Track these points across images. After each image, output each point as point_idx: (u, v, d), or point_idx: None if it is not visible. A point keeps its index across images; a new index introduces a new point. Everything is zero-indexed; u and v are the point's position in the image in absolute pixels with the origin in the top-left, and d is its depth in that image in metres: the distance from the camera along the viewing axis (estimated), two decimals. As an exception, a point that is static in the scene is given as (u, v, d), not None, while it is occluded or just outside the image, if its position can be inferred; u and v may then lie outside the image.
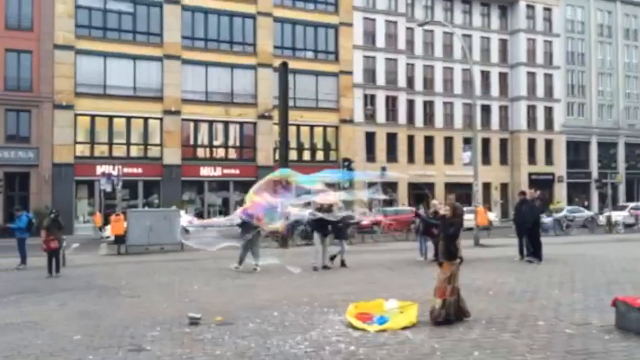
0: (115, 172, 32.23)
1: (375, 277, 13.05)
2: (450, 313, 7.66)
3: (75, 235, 30.90)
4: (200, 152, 38.23)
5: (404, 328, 7.37)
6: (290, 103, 28.95)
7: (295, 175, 11.98)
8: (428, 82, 47.47)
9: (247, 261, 14.79)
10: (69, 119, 34.22)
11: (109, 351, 6.56)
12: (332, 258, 15.20)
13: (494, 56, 50.29)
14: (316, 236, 14.89)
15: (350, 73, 42.15)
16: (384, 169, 42.09)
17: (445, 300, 7.65)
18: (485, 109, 49.07)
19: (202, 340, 7.03)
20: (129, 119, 35.99)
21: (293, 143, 37.93)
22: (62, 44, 34.04)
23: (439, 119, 47.60)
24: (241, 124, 39.00)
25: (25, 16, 33.76)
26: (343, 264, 15.06)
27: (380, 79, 44.09)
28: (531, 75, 50.76)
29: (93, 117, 35.32)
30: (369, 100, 43.51)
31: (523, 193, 16.63)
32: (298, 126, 38.81)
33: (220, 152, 38.70)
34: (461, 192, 39.16)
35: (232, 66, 38.33)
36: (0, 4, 33.12)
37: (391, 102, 44.56)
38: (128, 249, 20.94)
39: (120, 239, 21.44)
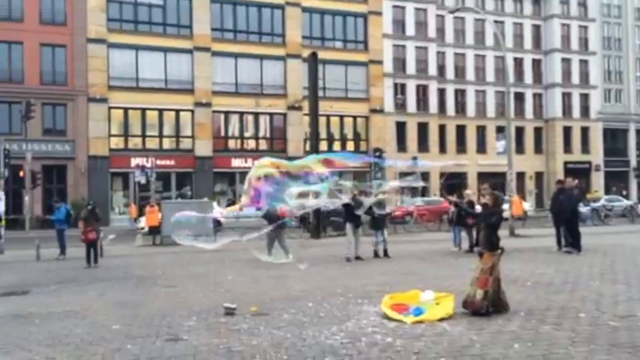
0: (148, 164, 32.71)
1: (409, 267, 12.92)
2: (490, 305, 7.52)
3: (112, 226, 31.53)
4: (232, 144, 38.50)
5: (441, 319, 7.26)
6: (320, 93, 28.86)
7: (316, 163, 11.43)
8: (459, 70, 46.74)
9: (274, 251, 14.81)
10: (103, 112, 34.83)
11: (147, 340, 6.63)
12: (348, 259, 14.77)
13: (527, 42, 49.16)
14: (349, 227, 14.82)
15: (380, 62, 41.78)
16: (414, 158, 41.70)
17: (487, 292, 7.50)
18: (519, 97, 48.06)
19: (238, 330, 7.06)
20: (161, 111, 36.44)
21: (323, 134, 37.86)
22: (94, 37, 34.60)
23: (471, 108, 46.86)
24: (271, 115, 39.09)
25: (59, 11, 34.40)
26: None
27: (411, 68, 43.58)
28: (566, 62, 49.48)
29: (126, 110, 35.87)
30: (399, 89, 43.07)
31: (561, 182, 16.20)
32: (328, 117, 38.70)
33: (251, 144, 38.90)
34: (494, 181, 38.49)
35: (262, 57, 38.38)
36: (35, 0, 33.79)
37: (422, 91, 44.05)
38: (163, 240, 21.23)
39: (155, 230, 21.75)
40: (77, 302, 9.39)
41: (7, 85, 32.72)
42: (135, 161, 34.23)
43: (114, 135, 35.50)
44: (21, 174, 22.53)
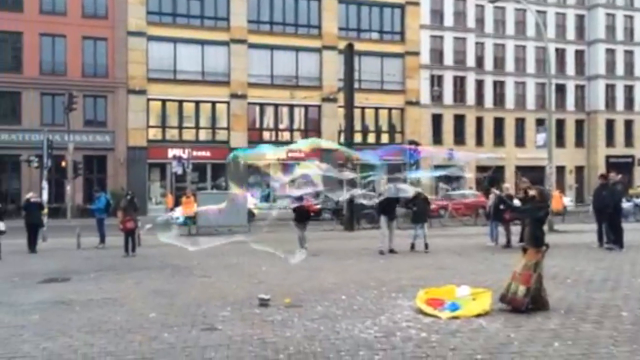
0: (185, 155, 33.19)
1: (444, 262, 12.76)
2: (530, 302, 7.34)
3: (149, 216, 32.14)
4: (266, 135, 38.67)
5: (477, 316, 7.13)
6: (355, 85, 28.67)
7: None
8: (499, 62, 45.79)
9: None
10: (141, 104, 35.47)
11: (183, 329, 6.72)
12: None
13: (570, 33, 47.76)
14: (383, 219, 14.72)
15: (416, 54, 41.26)
16: (450, 151, 41.03)
17: (530, 289, 7.32)
18: (560, 89, 46.79)
19: (272, 321, 7.08)
20: (197, 103, 36.86)
21: (358, 125, 37.67)
22: (134, 30, 35.19)
23: (510, 100, 45.90)
24: (306, 107, 39.11)
25: (100, 4, 35.09)
26: (426, 247, 14.76)
27: (448, 59, 42.91)
28: (610, 53, 47.90)
29: (164, 101, 36.42)
30: (436, 81, 42.49)
31: (604, 176, 15.68)
32: (363, 108, 38.47)
33: (285, 135, 39.00)
34: (533, 175, 37.65)
35: (297, 49, 38.38)
36: (78, -7, 34.58)
37: (459, 83, 43.35)
38: (198, 230, 21.53)
39: (191, 220, 22.07)
40: (115, 290, 9.60)
41: (50, 77, 33.62)
42: (172, 152, 34.77)
43: (152, 127, 36.11)
44: (63, 164, 23.20)
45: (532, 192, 8.40)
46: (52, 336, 6.52)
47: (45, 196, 20.45)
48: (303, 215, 15.51)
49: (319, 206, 31.93)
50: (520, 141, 45.59)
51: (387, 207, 14.54)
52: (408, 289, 8.95)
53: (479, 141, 43.90)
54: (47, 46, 34.12)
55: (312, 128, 39.36)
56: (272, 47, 37.84)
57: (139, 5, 35.49)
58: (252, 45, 37.45)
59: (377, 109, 40.38)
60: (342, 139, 32.82)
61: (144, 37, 35.43)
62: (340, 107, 34.34)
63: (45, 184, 21.40)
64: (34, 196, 17.35)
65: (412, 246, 14.88)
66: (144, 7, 35.69)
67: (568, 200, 35.58)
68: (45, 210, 18.92)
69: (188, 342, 6.20)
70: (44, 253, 15.70)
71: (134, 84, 35.11)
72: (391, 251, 14.41)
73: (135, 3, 35.36)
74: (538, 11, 43.29)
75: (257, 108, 38.44)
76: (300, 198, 14.95)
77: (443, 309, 7.33)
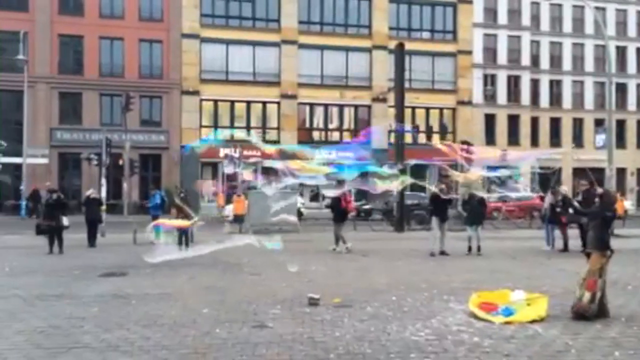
0: (236, 155, 33.71)
1: (497, 265, 12.47)
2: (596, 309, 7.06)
3: (201, 214, 32.82)
4: (316, 135, 38.81)
5: (532, 321, 6.93)
6: (406, 85, 28.38)
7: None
8: (555, 60, 44.34)
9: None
10: (195, 104, 36.27)
11: (234, 326, 6.83)
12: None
13: (632, 30, 45.73)
14: (434, 220, 14.50)
15: (469, 52, 40.48)
16: (504, 152, 40.04)
17: (596, 294, 7.05)
18: (621, 88, 44.86)
19: (322, 321, 7.10)
20: (248, 103, 37.38)
21: (408, 126, 37.27)
22: (188, 33, 36.02)
23: (567, 99, 44.38)
24: (356, 107, 39.02)
25: (156, 8, 36.11)
26: (479, 250, 14.46)
27: (502, 58, 41.90)
28: (675, 50, 45.59)
29: (216, 102, 37.11)
30: (489, 80, 41.54)
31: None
32: (413, 108, 38.04)
33: (335, 135, 39.05)
34: (593, 177, 36.30)
35: (347, 49, 38.34)
36: (135, -3, 35.71)
37: (513, 82, 42.25)
38: (249, 229, 21.82)
39: (240, 219, 22.40)
40: (169, 285, 9.85)
41: (109, 79, 34.85)
42: (223, 151, 35.39)
43: (205, 126, 36.85)
44: (120, 162, 23.98)
45: (599, 191, 8.10)
46: (110, 328, 6.75)
47: (104, 193, 21.19)
48: (340, 214, 15.65)
49: (364, 205, 31.93)
50: (578, 142, 44.00)
51: (439, 208, 14.34)
52: (460, 292, 8.80)
53: (534, 142, 42.64)
54: (106, 49, 35.37)
55: (362, 128, 39.20)
56: (322, 48, 37.94)
57: (193, 8, 36.31)
58: (303, 46, 37.67)
59: (427, 108, 39.86)
60: (392, 139, 32.59)
61: (197, 39, 36.22)
62: (390, 107, 34.10)
63: (104, 182, 22.19)
64: (93, 193, 17.99)
65: (469, 249, 14.55)
66: (198, 10, 36.49)
67: (629, 204, 34.13)
68: (104, 207, 19.59)
69: (239, 338, 6.29)
70: (102, 248, 16.27)
71: (187, 85, 35.95)
72: (442, 253, 14.19)
73: (189, 6, 36.19)
74: (597, 8, 41.68)
75: (307, 108, 38.63)
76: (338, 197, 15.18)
77: (496, 313, 7.16)
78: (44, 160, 33.85)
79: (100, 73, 35.07)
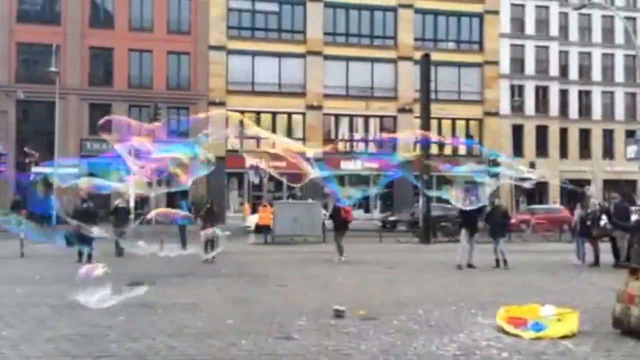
0: (262, 165, 33.87)
1: (526, 279, 12.22)
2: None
3: (227, 224, 33.03)
4: (341, 146, 38.82)
5: (563, 337, 6.75)
6: (432, 96, 28.26)
7: None
8: (584, 70, 43.70)
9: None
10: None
11: (260, 337, 6.80)
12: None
13: (665, 38, 44.80)
14: (464, 233, 14.29)
15: (496, 63, 40.15)
16: (531, 165, 39.60)
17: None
18: (653, 98, 43.97)
19: (348, 333, 7.04)
20: (274, 114, 37.62)
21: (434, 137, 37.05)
22: (215, 45, 36.52)
23: (596, 110, 43.64)
24: (381, 117, 38.98)
25: (184, 21, 36.74)
26: (505, 263, 14.19)
27: (530, 68, 41.46)
28: None
29: (242, 112, 37.31)
30: (517, 91, 41.11)
31: None
32: (439, 119, 37.80)
33: (360, 146, 39.02)
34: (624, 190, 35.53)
35: (373, 60, 38.38)
36: (164, 10, 36.35)
37: (541, 93, 41.75)
38: (274, 239, 21.88)
39: (266, 229, 22.45)
40: (195, 295, 9.89)
41: (138, 90, 35.47)
42: (249, 162, 35.59)
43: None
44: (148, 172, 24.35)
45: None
46: (137, 337, 6.79)
47: (131, 202, 21.47)
48: (341, 224, 15.70)
49: (390, 217, 31.76)
50: (608, 153, 43.16)
51: (469, 220, 14.14)
52: (488, 306, 8.63)
53: (563, 153, 41.98)
54: (135, 61, 36.05)
55: (387, 139, 39.13)
56: (347, 59, 38.05)
57: (220, 20, 36.82)
58: (328, 57, 37.83)
59: (454, 119, 39.58)
60: (417, 150, 32.42)
61: (224, 51, 36.68)
62: (416, 117, 33.96)
63: (132, 191, 22.48)
64: (121, 202, 18.25)
65: (497, 262, 14.27)
66: (225, 22, 36.98)
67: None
68: (132, 216, 19.85)
69: (265, 350, 6.27)
70: (130, 256, 16.44)
71: (214, 96, 36.37)
72: (469, 266, 13.98)
73: (216, 18, 36.71)
74: (627, 18, 40.99)
75: (332, 119, 38.72)
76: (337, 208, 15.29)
77: (526, 328, 7.00)
78: (74, 170, 34.51)
79: (129, 84, 35.73)
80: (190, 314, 8.21)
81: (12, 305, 8.83)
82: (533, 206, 33.77)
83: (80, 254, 15.17)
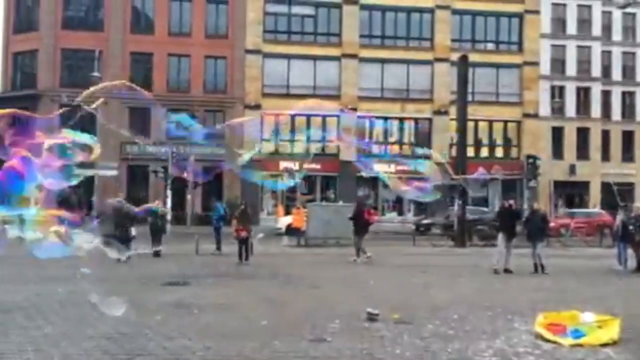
0: (296, 168, 34.03)
1: (564, 284, 11.93)
2: None
3: (260, 226, 33.30)
4: (375, 149, 38.64)
5: (604, 345, 6.56)
6: (469, 97, 27.89)
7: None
8: (628, 71, 42.37)
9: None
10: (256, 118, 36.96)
11: (292, 339, 6.83)
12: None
13: None
14: (501, 237, 14.04)
15: (535, 64, 39.30)
16: (572, 167, 38.78)
17: None
18: (701, 99, 42.30)
19: (381, 337, 7.00)
20: (308, 117, 37.72)
21: (470, 139, 36.47)
22: (251, 48, 36.88)
23: (641, 112, 42.24)
24: (416, 120, 38.67)
25: (222, 25, 37.23)
26: (542, 269, 13.86)
27: (571, 69, 40.45)
28: None
29: (277, 115, 37.68)
30: (557, 92, 40.13)
31: None
32: (476, 121, 37.21)
33: (394, 149, 38.78)
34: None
35: (408, 62, 38.10)
36: (202, 16, 36.93)
37: (583, 94, 40.65)
38: (307, 241, 21.94)
39: (298, 232, 22.55)
40: (230, 296, 10.00)
41: (176, 94, 36.10)
42: (283, 165, 35.81)
43: (265, 140, 37.45)
44: (185, 174, 24.74)
45: None
46: (173, 337, 6.91)
47: (169, 204, 21.88)
48: (362, 226, 15.69)
49: (423, 220, 31.45)
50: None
51: (507, 223, 13.89)
52: (525, 312, 8.46)
53: (605, 156, 40.76)
54: (174, 65, 36.73)
55: (422, 141, 38.81)
56: (382, 61, 37.88)
57: (257, 24, 37.17)
58: (363, 59, 37.74)
59: (491, 121, 38.93)
60: (454, 153, 32.08)
61: (260, 54, 36.99)
62: (452, 119, 33.59)
63: (169, 193, 22.92)
64: (158, 204, 18.61)
65: (535, 267, 13.95)
66: (261, 26, 37.30)
67: None
68: (169, 218, 20.22)
69: (298, 352, 6.29)
70: (166, 257, 16.76)
71: (249, 99, 36.73)
72: (506, 271, 13.72)
73: (253, 23, 37.07)
74: (675, 15, 39.65)
75: (367, 121, 38.56)
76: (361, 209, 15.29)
77: (565, 335, 6.83)
78: (114, 173, 35.37)
79: (167, 88, 36.39)
80: (225, 315, 8.31)
81: (54, 303, 9.10)
82: (573, 210, 32.89)
83: (120, 254, 15.50)
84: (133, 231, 16.06)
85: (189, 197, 24.81)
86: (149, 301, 9.36)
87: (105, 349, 6.38)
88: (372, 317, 7.90)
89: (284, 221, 27.39)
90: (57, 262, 15.49)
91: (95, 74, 31.92)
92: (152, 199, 29.62)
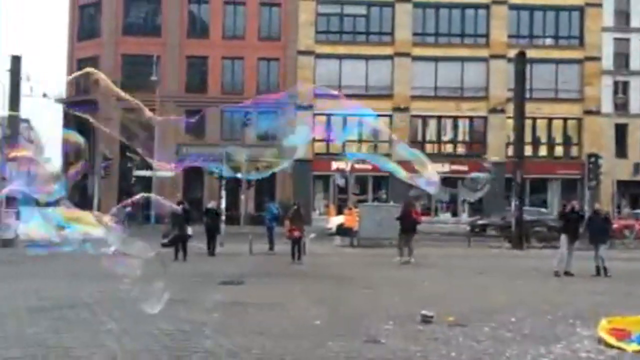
0: (347, 168, 34.01)
1: (628, 288, 11.43)
2: None
3: (313, 226, 33.46)
4: (429, 148, 38.17)
5: (672, 352, 6.24)
6: (526, 95, 27.12)
7: None
8: (698, 64, 40.02)
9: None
10: (308, 118, 37.18)
11: (347, 340, 6.82)
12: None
13: None
14: (563, 238, 13.57)
15: (597, 59, 37.76)
16: (637, 166, 37.07)
17: None
18: None
19: (436, 339, 6.90)
20: (360, 117, 37.59)
21: (528, 137, 35.39)
22: (304, 49, 37.14)
23: None
24: (471, 118, 37.92)
25: (274, 27, 37.68)
26: (605, 271, 13.34)
27: (635, 64, 38.59)
28: None
29: (329, 116, 37.75)
30: (621, 88, 38.44)
31: None
32: (534, 119, 36.11)
33: (448, 148, 38.18)
34: None
35: (463, 60, 37.39)
36: (255, 18, 37.49)
37: (648, 89, 38.73)
38: (360, 242, 21.89)
39: (350, 232, 22.52)
40: (283, 295, 10.10)
41: (230, 96, 36.79)
42: (335, 165, 35.87)
43: (317, 140, 37.61)
44: (238, 175, 25.15)
45: None
46: (229, 335, 7.04)
47: (223, 204, 22.30)
48: (409, 226, 15.47)
49: (479, 221, 30.77)
50: None
51: (570, 225, 13.43)
52: (587, 316, 8.15)
53: (673, 154, 38.70)
54: (228, 68, 37.45)
55: (477, 140, 38.03)
56: (436, 59, 37.34)
57: (309, 25, 37.40)
58: (416, 58, 37.31)
59: (550, 119, 37.70)
60: (510, 152, 31.30)
61: (312, 55, 37.20)
62: (509, 117, 32.74)
63: (223, 194, 23.35)
64: (213, 204, 19.02)
65: (597, 270, 13.42)
66: (313, 27, 37.51)
67: None
68: (223, 217, 20.61)
69: (352, 352, 6.28)
70: (221, 257, 17.11)
71: (302, 101, 36.96)
72: (566, 273, 13.26)
73: (305, 24, 37.32)
74: None
75: (420, 121, 38.15)
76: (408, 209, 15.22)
77: (630, 341, 6.54)
78: (171, 174, 36.38)
79: (222, 91, 37.14)
80: (279, 314, 8.40)
81: (116, 300, 9.45)
82: (637, 211, 31.41)
83: (177, 252, 15.93)
84: (190, 230, 16.46)
85: (242, 197, 25.26)
86: (205, 299, 9.57)
87: (165, 345, 6.57)
88: (426, 319, 7.80)
89: (334, 221, 27.42)
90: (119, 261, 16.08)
91: (154, 78, 32.95)
92: (206, 199, 30.30)
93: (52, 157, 29.41)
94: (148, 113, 7.35)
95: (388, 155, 37.76)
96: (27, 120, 43.35)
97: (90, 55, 37.88)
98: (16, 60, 24.17)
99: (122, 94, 7.13)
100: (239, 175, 14.98)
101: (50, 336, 6.91)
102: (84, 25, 38.79)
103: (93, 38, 37.80)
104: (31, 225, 7.16)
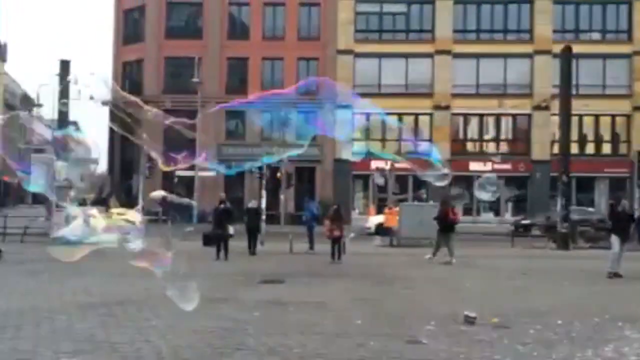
0: (387, 168, 33.79)
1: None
2: None
3: (352, 225, 33.40)
4: (470, 147, 37.57)
5: None
6: (572, 91, 26.35)
7: None
8: None
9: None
10: (347, 118, 37.12)
11: (388, 340, 6.80)
12: None
13: None
14: (614, 239, 13.14)
15: (647, 53, 36.42)
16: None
17: None
18: None
19: (479, 341, 6.80)
20: (400, 115, 37.31)
21: (574, 135, 34.40)
22: (343, 49, 37.11)
23: None
24: (514, 116, 37.12)
25: (314, 27, 37.80)
26: None
27: (687, 57, 37.05)
28: None
29: (367, 115, 37.59)
30: (672, 82, 36.95)
31: None
32: (580, 116, 35.05)
33: (490, 146, 37.48)
34: None
35: (505, 56, 36.65)
36: (294, 19, 37.71)
37: (703, 84, 37.08)
38: (400, 241, 21.73)
39: (390, 232, 22.39)
40: (324, 295, 10.12)
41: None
42: (375, 164, 35.69)
43: (355, 140, 37.47)
44: (278, 175, 25.32)
45: None
46: (270, 333, 7.11)
47: (263, 204, 22.52)
48: (448, 226, 15.15)
49: (522, 220, 30.11)
50: None
51: (621, 225, 13.01)
52: (637, 319, 7.88)
53: None
54: (268, 69, 37.78)
55: (520, 138, 37.21)
56: (478, 56, 36.69)
57: (348, 25, 37.34)
58: (457, 55, 36.77)
59: (597, 116, 36.56)
60: (555, 150, 30.52)
61: (351, 54, 37.12)
62: (553, 115, 31.91)
63: (264, 193, 23.57)
64: (254, 204, 19.22)
65: None
66: (352, 26, 37.43)
67: None
68: (263, 217, 20.80)
69: (393, 353, 6.25)
70: (261, 256, 17.27)
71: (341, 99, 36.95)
72: (615, 275, 12.83)
73: (344, 23, 37.27)
74: None
75: (461, 119, 37.59)
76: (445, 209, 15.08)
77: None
78: (212, 174, 36.95)
79: (262, 91, 37.48)
80: (320, 313, 8.43)
81: (161, 297, 9.64)
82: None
83: (218, 251, 16.16)
84: (231, 229, 16.68)
85: (282, 197, 25.45)
86: (246, 298, 9.69)
87: (208, 342, 6.69)
88: (469, 320, 7.69)
89: (373, 220, 27.32)
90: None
91: (195, 79, 33.52)
92: (247, 198, 30.63)
93: (99, 158, 30.26)
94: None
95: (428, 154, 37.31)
96: (75, 123, 44.81)
97: (134, 59, 38.90)
98: (65, 65, 25.00)
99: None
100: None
101: (98, 331, 7.13)
102: (129, 29, 39.81)
103: (137, 42, 38.74)
104: (76, 224, 7.34)
